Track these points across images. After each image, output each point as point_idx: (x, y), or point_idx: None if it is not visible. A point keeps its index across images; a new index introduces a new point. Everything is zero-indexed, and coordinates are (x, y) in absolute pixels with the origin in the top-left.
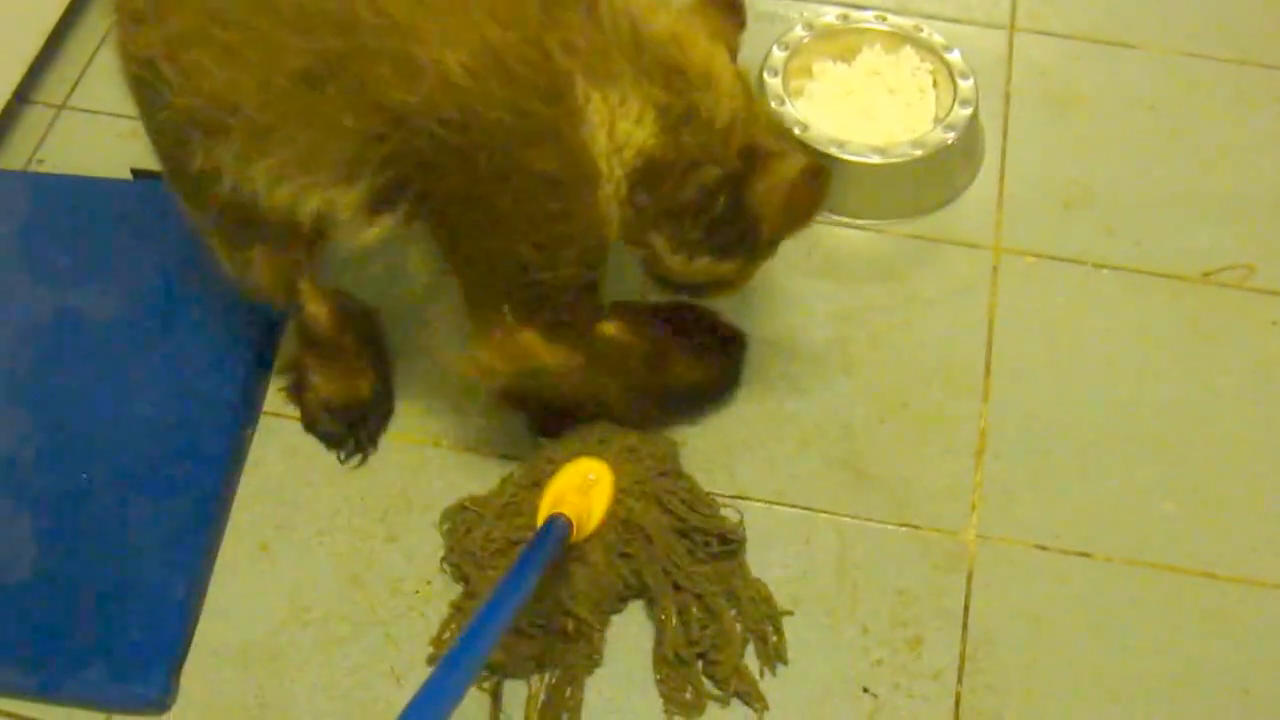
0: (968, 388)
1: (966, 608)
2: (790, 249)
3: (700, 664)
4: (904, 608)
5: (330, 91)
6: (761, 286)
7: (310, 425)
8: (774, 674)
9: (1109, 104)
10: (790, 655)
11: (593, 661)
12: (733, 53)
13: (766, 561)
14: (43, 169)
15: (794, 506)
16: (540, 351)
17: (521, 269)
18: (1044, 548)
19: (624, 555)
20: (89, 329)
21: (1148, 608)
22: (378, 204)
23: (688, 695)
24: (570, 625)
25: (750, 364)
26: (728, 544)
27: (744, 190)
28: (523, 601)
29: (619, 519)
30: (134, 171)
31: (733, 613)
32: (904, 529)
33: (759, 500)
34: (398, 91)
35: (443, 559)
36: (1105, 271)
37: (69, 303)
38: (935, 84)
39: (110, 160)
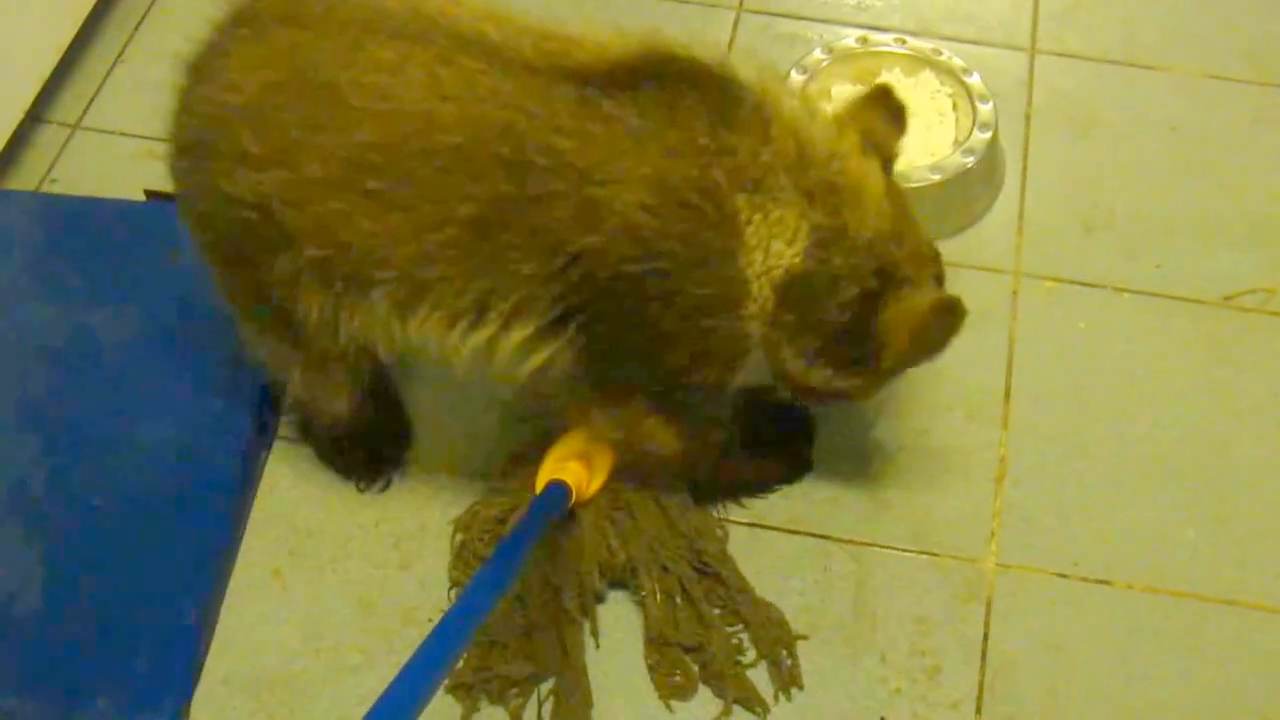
0: (987, 414)
1: (986, 636)
2: None
3: (697, 668)
4: (923, 636)
5: (506, 238)
6: None
7: (327, 461)
8: (789, 699)
9: (1129, 126)
10: (808, 683)
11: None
12: (889, 159)
13: (785, 589)
14: (56, 188)
15: (812, 534)
16: (659, 435)
17: (672, 374)
18: (1064, 575)
19: (610, 520)
20: (101, 351)
21: (1168, 636)
22: (542, 337)
23: (677, 678)
24: (566, 603)
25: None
26: (704, 567)
27: (874, 312)
28: (519, 565)
29: (610, 490)
30: (148, 192)
31: (735, 627)
32: (923, 556)
33: (777, 528)
34: (579, 234)
35: (450, 588)
36: (1125, 295)
37: (81, 324)
38: (955, 107)
39: (124, 180)
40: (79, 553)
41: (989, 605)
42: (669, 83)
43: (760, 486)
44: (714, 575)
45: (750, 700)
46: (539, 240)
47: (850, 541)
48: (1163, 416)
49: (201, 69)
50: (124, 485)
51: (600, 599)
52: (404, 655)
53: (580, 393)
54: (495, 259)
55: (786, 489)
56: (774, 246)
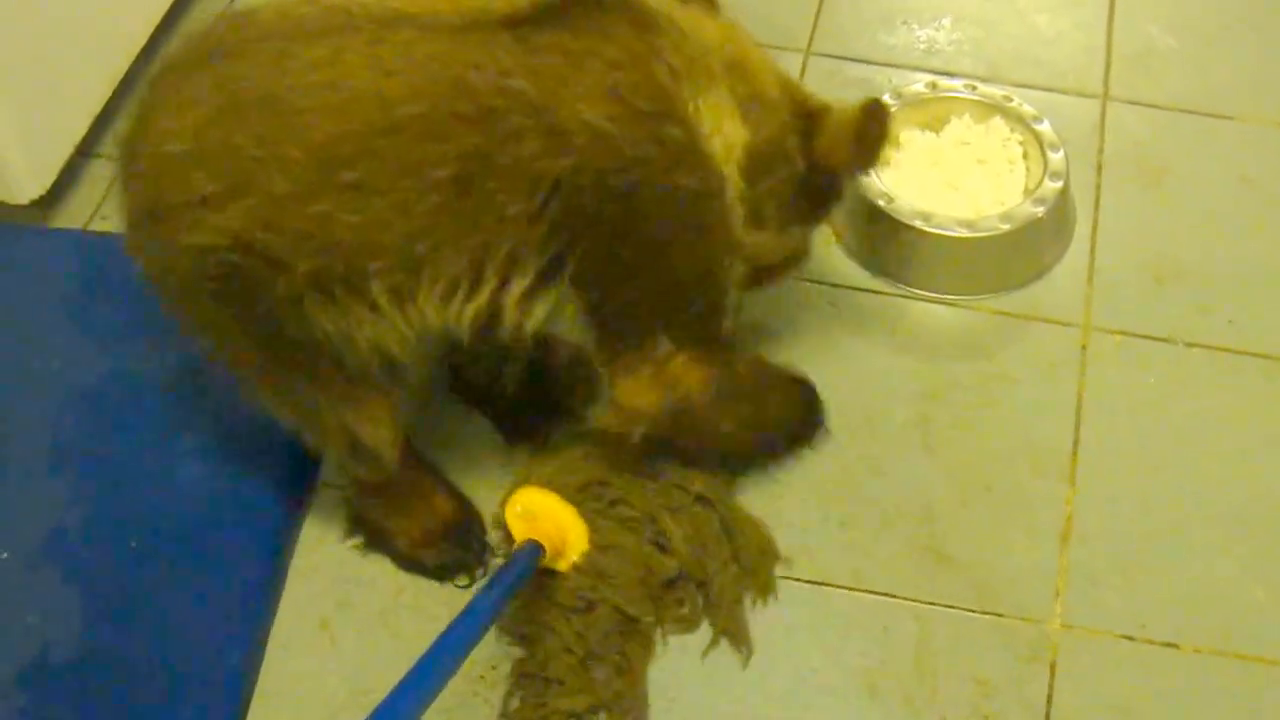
0: (1054, 470)
1: (1049, 699)
2: (873, 324)
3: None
4: (985, 699)
5: (486, 187)
6: (842, 363)
7: (413, 568)
8: (764, 603)
9: (1203, 177)
10: None
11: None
12: None
13: (845, 649)
14: (106, 225)
15: (874, 592)
16: (692, 373)
17: (689, 285)
18: (1130, 638)
19: (614, 502)
20: (142, 391)
21: (1237, 700)
22: (542, 284)
23: (684, 610)
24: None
25: (830, 444)
26: (701, 496)
27: (811, 147)
28: (490, 619)
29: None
30: None
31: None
32: (986, 616)
33: (838, 586)
34: (553, 160)
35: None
36: (1197, 350)
37: (122, 363)
38: (1025, 155)
39: None
40: (116, 598)
41: (1053, 668)
42: (586, 7)
43: (786, 439)
44: (708, 503)
45: (737, 638)
46: (517, 178)
47: (912, 600)
48: (1233, 474)
49: (133, 134)
50: (164, 529)
51: (661, 599)
52: (455, 713)
53: (600, 359)
54: (480, 211)
55: (847, 543)
56: (726, 126)
